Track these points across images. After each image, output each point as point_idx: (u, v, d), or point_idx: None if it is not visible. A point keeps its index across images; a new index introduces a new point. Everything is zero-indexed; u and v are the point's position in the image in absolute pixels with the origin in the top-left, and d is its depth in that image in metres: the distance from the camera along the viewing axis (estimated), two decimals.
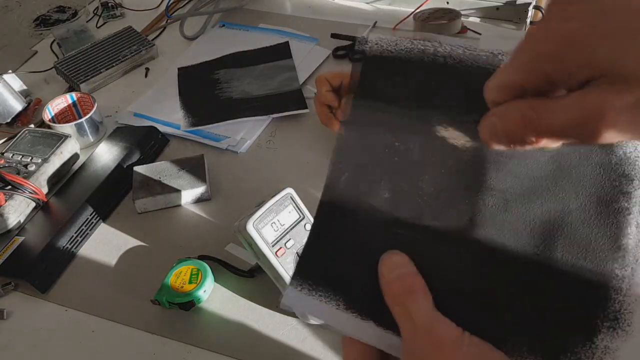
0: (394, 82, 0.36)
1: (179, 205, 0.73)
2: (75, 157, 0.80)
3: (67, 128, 0.81)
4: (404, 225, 0.33)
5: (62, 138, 0.78)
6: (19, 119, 0.88)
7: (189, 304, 0.59)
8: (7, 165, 0.74)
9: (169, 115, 0.87)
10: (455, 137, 0.33)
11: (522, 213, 0.32)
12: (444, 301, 0.31)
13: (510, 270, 0.31)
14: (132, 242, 0.69)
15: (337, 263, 0.34)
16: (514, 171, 0.32)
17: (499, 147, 0.28)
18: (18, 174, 0.72)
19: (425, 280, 0.31)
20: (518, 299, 0.31)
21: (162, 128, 0.84)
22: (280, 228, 0.57)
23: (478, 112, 0.29)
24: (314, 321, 0.57)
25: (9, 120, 0.87)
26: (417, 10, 0.99)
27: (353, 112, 0.36)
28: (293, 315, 0.59)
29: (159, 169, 0.74)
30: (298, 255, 0.57)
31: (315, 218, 0.36)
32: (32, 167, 0.74)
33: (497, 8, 1.00)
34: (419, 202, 0.33)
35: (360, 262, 0.33)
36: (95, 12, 1.16)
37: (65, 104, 0.86)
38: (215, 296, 0.62)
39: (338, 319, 0.33)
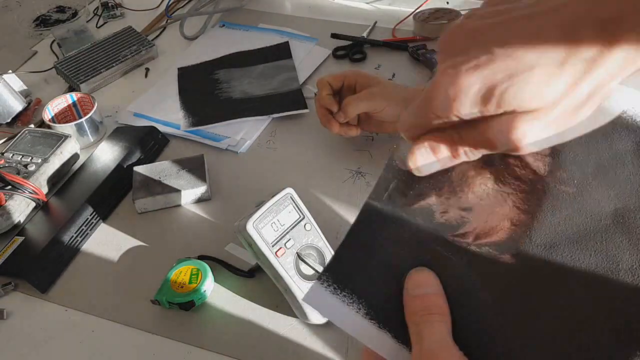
0: None
1: (179, 205, 0.73)
2: (75, 157, 0.80)
3: (67, 128, 0.81)
4: (443, 243, 0.32)
5: (62, 138, 0.78)
6: (19, 119, 0.88)
7: (189, 304, 0.59)
8: (7, 165, 0.74)
9: (169, 115, 0.87)
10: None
11: (567, 260, 0.30)
12: (464, 328, 0.30)
13: (535, 315, 0.30)
14: (132, 242, 0.69)
15: (368, 267, 0.33)
16: (570, 214, 0.30)
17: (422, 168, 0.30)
18: (18, 174, 0.73)
19: (450, 304, 0.31)
20: (536, 346, 0.30)
21: (162, 128, 0.84)
22: (280, 228, 0.57)
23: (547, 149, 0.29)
24: (315, 321, 0.57)
25: (9, 120, 0.87)
26: (417, 10, 0.99)
27: None
28: (293, 315, 0.59)
29: (159, 169, 0.74)
30: (298, 255, 0.57)
31: (357, 218, 0.35)
32: (32, 167, 0.74)
33: None
34: (463, 221, 0.32)
35: (391, 271, 0.33)
36: (95, 12, 1.16)
37: (65, 104, 0.86)
38: (215, 296, 0.62)
39: (355, 325, 0.32)
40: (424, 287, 0.31)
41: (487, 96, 0.27)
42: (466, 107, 0.27)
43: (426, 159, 0.30)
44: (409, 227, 0.33)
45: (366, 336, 0.32)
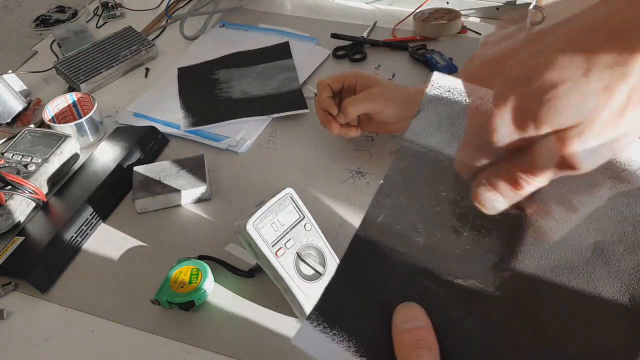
0: (449, 130, 0.34)
1: (179, 205, 0.73)
2: (75, 157, 0.80)
3: (67, 128, 0.81)
4: (430, 277, 0.33)
5: (62, 138, 0.78)
6: (19, 119, 0.88)
7: (189, 304, 0.59)
8: (7, 165, 0.74)
9: (169, 115, 0.87)
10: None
11: (551, 291, 0.31)
12: None
13: (519, 348, 0.31)
14: (132, 242, 0.69)
15: (357, 303, 0.33)
16: (552, 247, 0.31)
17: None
18: (18, 174, 0.73)
19: (438, 337, 0.31)
20: None
21: (162, 128, 0.84)
22: (280, 228, 0.57)
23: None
24: None
25: (9, 120, 0.87)
26: (417, 10, 0.99)
27: (404, 151, 0.35)
28: (293, 315, 0.59)
29: (159, 169, 0.74)
30: (298, 255, 0.57)
31: (345, 253, 0.34)
32: (32, 167, 0.74)
33: (497, 8, 1.00)
34: (452, 256, 0.33)
35: (379, 305, 0.33)
36: (95, 12, 1.16)
37: (65, 104, 0.86)
38: (215, 296, 0.62)
39: None
40: (412, 321, 0.32)
41: (521, 121, 0.27)
42: (505, 136, 0.28)
43: (489, 195, 0.30)
44: (397, 260, 0.33)
45: None
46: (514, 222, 0.32)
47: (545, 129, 0.27)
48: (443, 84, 0.36)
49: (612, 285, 0.30)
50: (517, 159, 0.29)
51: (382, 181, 0.34)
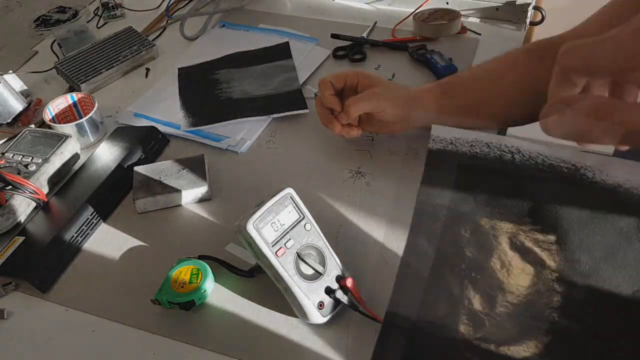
0: (470, 180, 0.35)
1: (179, 205, 0.73)
2: (75, 157, 0.80)
3: (68, 128, 0.81)
4: (468, 347, 0.34)
5: (62, 138, 0.78)
6: (20, 119, 0.89)
7: (189, 304, 0.59)
8: (7, 165, 0.74)
9: (169, 115, 0.87)
10: (520, 265, 0.33)
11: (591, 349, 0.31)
12: None
13: None
14: (132, 242, 0.69)
15: None
16: (587, 300, 0.31)
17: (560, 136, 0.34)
18: (19, 174, 0.73)
19: None
20: None
21: (162, 128, 0.84)
22: (280, 228, 0.57)
23: (553, 233, 0.30)
24: (315, 321, 0.57)
25: (9, 121, 0.87)
26: (417, 10, 0.99)
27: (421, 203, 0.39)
28: (293, 315, 0.59)
29: (159, 169, 0.74)
30: (298, 255, 0.57)
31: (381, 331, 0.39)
32: (32, 167, 0.74)
33: (497, 8, 1.00)
34: (492, 324, 0.33)
35: None
36: (95, 12, 1.16)
37: (66, 104, 0.86)
38: (215, 296, 0.62)
39: None
40: None
41: None
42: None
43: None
44: (436, 335, 0.35)
45: None
46: (543, 285, 0.32)
47: None
48: (444, 137, 0.37)
49: None
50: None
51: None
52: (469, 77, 0.77)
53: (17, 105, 0.88)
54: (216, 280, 0.62)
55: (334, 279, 0.58)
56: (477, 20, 1.02)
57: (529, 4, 0.96)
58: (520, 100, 0.74)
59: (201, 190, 0.72)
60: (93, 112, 0.83)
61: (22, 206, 0.71)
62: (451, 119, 0.76)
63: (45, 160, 0.75)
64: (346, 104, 0.71)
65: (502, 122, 0.77)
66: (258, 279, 0.63)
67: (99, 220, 0.71)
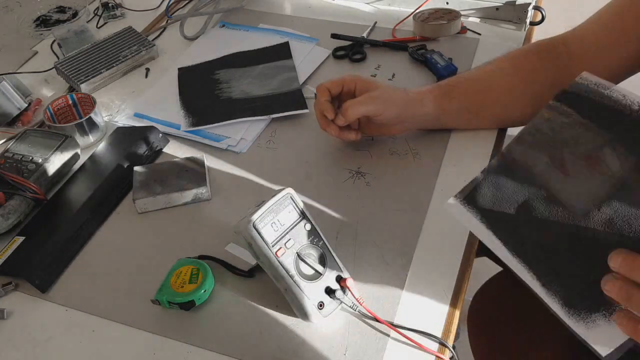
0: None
1: (179, 205, 0.73)
2: (75, 157, 0.80)
3: (68, 128, 0.81)
4: (546, 190, 0.50)
5: (62, 138, 0.78)
6: (20, 119, 0.89)
7: (189, 304, 0.59)
8: (7, 165, 0.74)
9: (169, 115, 0.87)
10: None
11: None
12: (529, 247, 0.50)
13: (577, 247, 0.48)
14: (132, 242, 0.69)
15: (498, 198, 0.52)
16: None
17: None
18: (18, 173, 0.73)
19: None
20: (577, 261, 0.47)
21: (162, 128, 0.84)
22: (280, 228, 0.57)
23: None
24: (315, 321, 0.57)
25: (9, 121, 0.87)
26: (417, 11, 0.99)
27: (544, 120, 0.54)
28: (293, 315, 0.59)
29: (159, 169, 0.74)
30: (298, 255, 0.57)
31: (498, 159, 0.55)
32: (32, 167, 0.74)
33: (497, 8, 1.00)
34: (561, 182, 0.50)
35: (512, 204, 0.52)
36: (95, 12, 1.16)
37: (66, 104, 0.86)
38: (215, 296, 0.62)
39: (481, 232, 0.52)
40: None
41: None
42: None
43: None
44: (528, 177, 0.52)
45: (488, 240, 0.52)
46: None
47: None
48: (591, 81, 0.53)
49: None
50: None
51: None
52: (468, 79, 0.77)
53: (17, 105, 0.88)
54: (216, 280, 0.62)
55: (334, 279, 0.58)
56: (477, 20, 1.02)
57: (529, 4, 0.96)
58: (521, 101, 0.74)
59: (201, 190, 0.72)
60: (93, 112, 0.83)
61: (22, 206, 0.71)
62: (451, 120, 0.76)
63: (45, 160, 0.75)
64: (344, 107, 0.71)
65: (502, 123, 0.78)
66: (258, 279, 0.63)
67: (99, 220, 0.71)
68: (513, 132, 0.83)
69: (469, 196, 0.54)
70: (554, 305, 0.46)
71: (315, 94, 0.75)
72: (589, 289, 0.45)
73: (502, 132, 0.79)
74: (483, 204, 0.53)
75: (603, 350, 0.43)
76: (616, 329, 0.43)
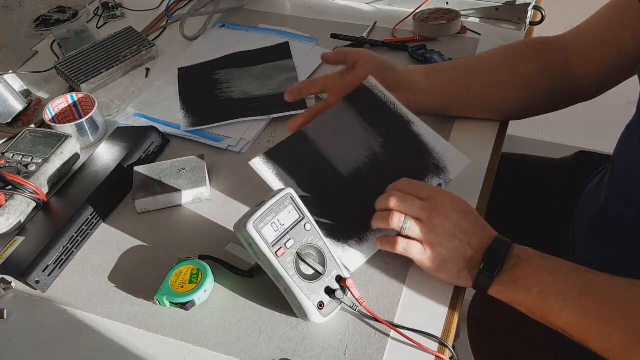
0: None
1: (179, 205, 0.73)
2: (75, 157, 0.80)
3: (68, 128, 0.81)
4: (325, 157, 0.69)
5: (62, 138, 0.78)
6: (20, 119, 0.89)
7: (189, 304, 0.60)
8: (7, 165, 0.74)
9: (169, 115, 0.87)
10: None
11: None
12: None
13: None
14: (132, 242, 0.69)
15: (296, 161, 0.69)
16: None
17: None
18: (19, 174, 0.73)
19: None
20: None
21: (162, 128, 0.84)
22: (280, 228, 0.57)
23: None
24: (315, 321, 0.57)
25: (9, 121, 0.87)
26: (417, 11, 0.99)
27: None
28: (293, 315, 0.59)
29: (159, 169, 0.74)
30: (298, 255, 0.57)
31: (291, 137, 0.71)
32: (32, 167, 0.74)
33: (497, 8, 1.00)
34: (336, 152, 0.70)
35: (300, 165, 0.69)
36: (95, 12, 1.16)
37: (66, 104, 0.86)
38: (215, 296, 0.62)
39: (275, 183, 0.66)
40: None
41: None
42: None
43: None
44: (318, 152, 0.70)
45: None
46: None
47: None
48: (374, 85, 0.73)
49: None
50: None
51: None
52: (455, 61, 0.80)
53: (17, 105, 0.88)
54: (216, 280, 0.62)
55: (334, 279, 0.59)
56: (477, 20, 1.02)
57: (529, 4, 0.96)
58: (511, 85, 0.75)
59: (201, 190, 0.72)
60: (93, 112, 0.83)
61: (22, 206, 0.71)
62: (443, 92, 0.77)
63: (45, 160, 0.75)
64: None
65: (497, 106, 0.78)
66: (258, 279, 0.63)
67: (99, 220, 0.71)
68: (513, 132, 0.83)
69: (269, 154, 0.67)
70: (322, 235, 0.59)
71: (316, 95, 0.75)
72: (346, 224, 0.65)
73: (501, 134, 0.79)
74: (279, 162, 0.67)
75: (352, 267, 0.63)
76: (361, 253, 0.64)
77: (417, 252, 0.59)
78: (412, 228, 0.59)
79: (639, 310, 0.51)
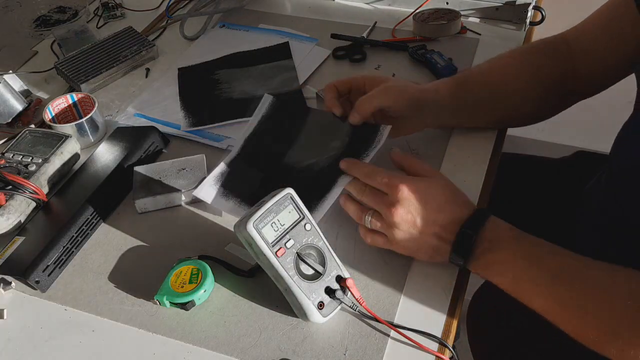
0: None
1: (179, 205, 0.73)
2: (75, 157, 0.80)
3: (68, 128, 0.81)
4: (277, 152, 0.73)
5: (62, 138, 0.78)
6: (20, 119, 0.89)
7: (189, 304, 0.60)
8: (7, 165, 0.74)
9: (169, 115, 0.87)
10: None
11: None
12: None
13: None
14: (132, 242, 0.69)
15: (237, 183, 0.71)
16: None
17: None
18: (19, 174, 0.73)
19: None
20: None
21: (162, 128, 0.84)
22: (280, 228, 0.57)
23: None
24: (315, 321, 0.57)
25: (9, 121, 0.87)
26: (417, 11, 0.99)
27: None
28: (293, 315, 0.59)
29: (159, 169, 0.74)
30: (298, 255, 0.57)
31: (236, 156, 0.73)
32: (32, 167, 0.74)
33: (497, 8, 1.00)
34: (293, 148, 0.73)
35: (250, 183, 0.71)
36: (95, 12, 1.16)
37: (66, 104, 0.86)
38: (215, 296, 0.62)
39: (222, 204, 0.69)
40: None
41: None
42: None
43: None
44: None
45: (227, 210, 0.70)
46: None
47: None
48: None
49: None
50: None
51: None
52: (480, 72, 0.76)
53: (17, 105, 0.88)
54: (216, 280, 0.62)
55: (334, 279, 0.59)
56: (477, 20, 1.02)
57: (529, 4, 0.96)
58: (530, 96, 0.74)
59: None
60: (93, 112, 0.83)
61: (22, 206, 0.71)
62: (466, 114, 0.75)
63: (45, 160, 0.75)
64: (357, 103, 0.69)
65: (512, 118, 0.78)
66: (258, 279, 0.63)
67: (99, 220, 0.71)
68: (513, 132, 0.83)
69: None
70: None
71: (317, 94, 0.75)
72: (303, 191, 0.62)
73: (501, 134, 0.79)
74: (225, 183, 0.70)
75: (317, 218, 0.63)
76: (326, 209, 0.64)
77: (385, 243, 0.61)
78: (374, 223, 0.61)
79: (614, 296, 0.50)
